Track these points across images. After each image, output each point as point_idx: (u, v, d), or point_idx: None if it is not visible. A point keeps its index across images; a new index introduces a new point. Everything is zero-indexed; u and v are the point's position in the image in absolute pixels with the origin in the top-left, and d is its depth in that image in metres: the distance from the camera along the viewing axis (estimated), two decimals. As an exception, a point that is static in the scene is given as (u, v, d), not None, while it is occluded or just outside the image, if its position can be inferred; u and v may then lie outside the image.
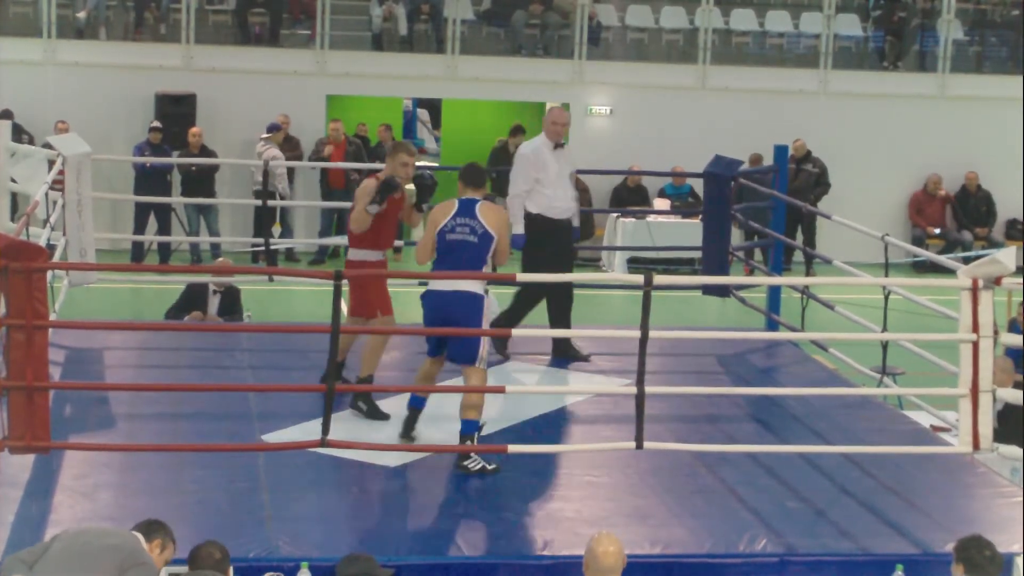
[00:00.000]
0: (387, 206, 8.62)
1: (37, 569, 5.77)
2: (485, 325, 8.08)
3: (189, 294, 12.16)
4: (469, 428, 7.95)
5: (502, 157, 19.64)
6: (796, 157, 18.97)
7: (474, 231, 8.12)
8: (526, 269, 10.04)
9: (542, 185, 10.04)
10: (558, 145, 10.16)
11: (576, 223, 10.34)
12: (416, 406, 8.33)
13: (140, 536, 6.02)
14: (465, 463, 7.90)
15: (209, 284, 12.06)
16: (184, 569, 6.07)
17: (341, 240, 16.72)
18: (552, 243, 10.07)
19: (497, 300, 12.01)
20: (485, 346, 8.10)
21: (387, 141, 19.57)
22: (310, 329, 9.21)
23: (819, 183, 19.63)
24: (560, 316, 10.33)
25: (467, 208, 8.20)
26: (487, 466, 7.89)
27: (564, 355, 10.39)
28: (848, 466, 8.28)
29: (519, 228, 9.95)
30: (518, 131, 20.10)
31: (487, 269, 8.28)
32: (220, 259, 15.72)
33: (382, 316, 8.81)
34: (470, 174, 8.41)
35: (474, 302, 7.98)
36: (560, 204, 10.13)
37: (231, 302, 12.12)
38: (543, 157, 10.09)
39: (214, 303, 12.02)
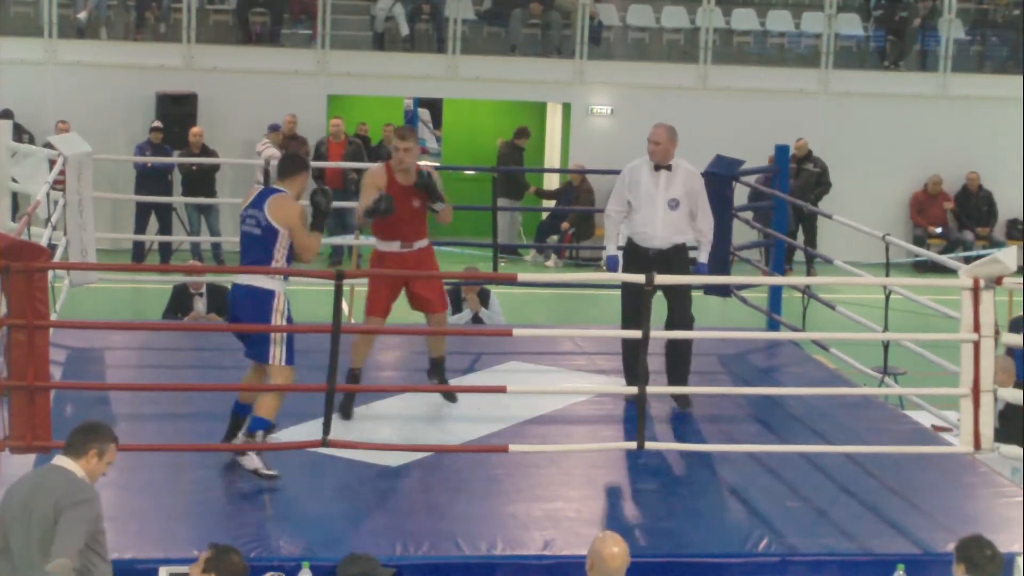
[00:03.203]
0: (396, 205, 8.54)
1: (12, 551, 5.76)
2: (278, 320, 7.62)
3: (175, 297, 12.17)
4: (256, 425, 7.63)
5: (513, 156, 19.74)
6: (797, 156, 18.98)
7: (258, 223, 7.67)
8: (623, 300, 9.18)
9: (632, 208, 9.13)
10: (660, 167, 9.14)
11: (700, 258, 9.19)
12: (238, 412, 7.96)
13: (68, 464, 5.87)
14: (241, 459, 7.62)
15: (188, 287, 12.04)
16: (185, 569, 6.01)
17: (344, 240, 16.80)
18: (636, 272, 8.44)
19: (499, 301, 12.10)
20: (279, 344, 7.62)
21: (389, 141, 19.62)
22: (310, 329, 9.18)
23: (820, 182, 19.63)
24: (676, 365, 9.30)
25: (259, 199, 7.77)
26: (262, 470, 7.55)
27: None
28: (849, 466, 8.27)
29: (611, 249, 9.28)
30: (523, 133, 20.21)
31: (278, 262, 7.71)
32: (191, 260, 15.76)
33: (367, 316, 8.81)
34: (280, 164, 7.97)
35: (258, 297, 7.59)
36: (647, 231, 9.09)
37: (221, 301, 12.07)
38: (636, 177, 9.15)
39: (199, 304, 12.00)
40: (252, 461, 7.59)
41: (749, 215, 13.59)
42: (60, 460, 5.95)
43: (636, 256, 9.11)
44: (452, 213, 8.77)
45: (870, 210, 18.98)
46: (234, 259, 17.20)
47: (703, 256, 9.23)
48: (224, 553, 5.87)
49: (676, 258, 9.15)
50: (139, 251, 17.64)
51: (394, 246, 8.70)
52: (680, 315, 9.18)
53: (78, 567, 5.68)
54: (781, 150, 12.13)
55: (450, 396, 8.95)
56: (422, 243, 8.77)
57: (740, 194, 12.21)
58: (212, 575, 5.82)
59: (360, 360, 8.80)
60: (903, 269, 18.98)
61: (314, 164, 18.05)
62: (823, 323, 12.79)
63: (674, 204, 9.11)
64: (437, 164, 21.94)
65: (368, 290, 8.84)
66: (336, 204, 19.93)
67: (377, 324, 8.76)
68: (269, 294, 7.59)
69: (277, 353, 7.64)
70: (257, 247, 7.70)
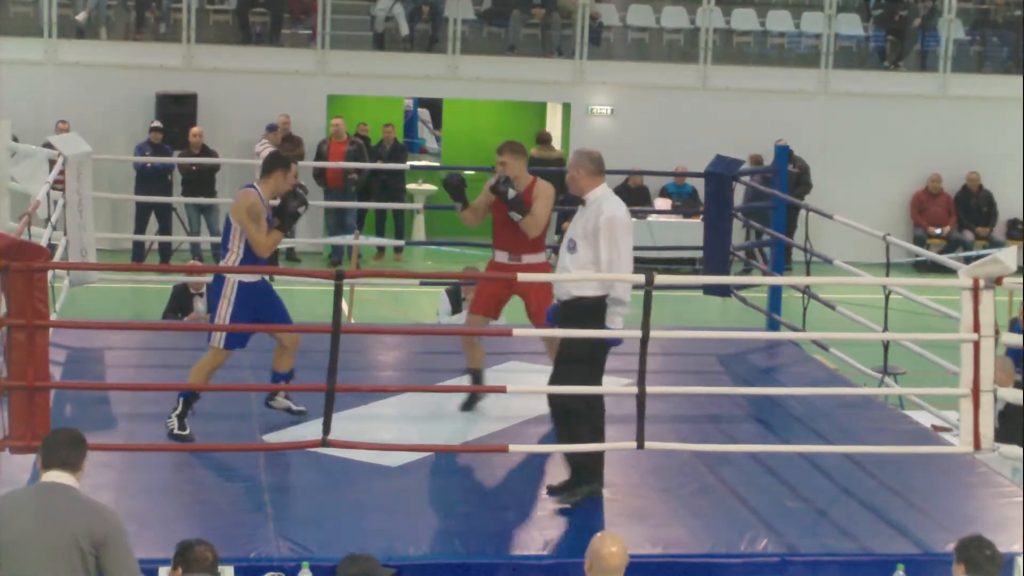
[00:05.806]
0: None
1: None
2: (223, 304, 8.12)
3: (175, 297, 12.18)
4: (181, 394, 8.20)
5: (532, 163, 19.76)
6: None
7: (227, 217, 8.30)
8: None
9: None
10: (581, 200, 7.57)
11: (610, 323, 7.41)
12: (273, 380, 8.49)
13: (68, 480, 5.51)
14: (167, 422, 8.12)
15: (188, 287, 12.06)
16: (167, 570, 5.96)
17: (344, 240, 16.80)
18: (559, 324, 7.56)
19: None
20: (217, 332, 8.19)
21: (389, 141, 19.63)
22: (310, 329, 9.20)
23: (799, 183, 19.53)
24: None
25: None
26: (176, 430, 8.08)
27: None
28: (849, 466, 8.27)
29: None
30: (544, 140, 20.16)
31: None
32: (191, 260, 15.75)
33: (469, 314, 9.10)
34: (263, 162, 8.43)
35: (216, 281, 8.26)
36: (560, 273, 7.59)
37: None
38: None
39: (199, 304, 12.01)
40: (171, 422, 8.12)
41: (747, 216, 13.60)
42: (57, 476, 5.51)
43: (561, 306, 7.55)
44: (538, 228, 8.55)
45: (870, 210, 18.95)
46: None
47: (614, 321, 7.40)
48: (189, 547, 5.77)
49: (571, 317, 7.45)
50: (139, 251, 17.64)
51: (503, 256, 8.75)
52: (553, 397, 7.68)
53: None
54: (781, 150, 12.12)
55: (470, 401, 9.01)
56: (533, 258, 8.66)
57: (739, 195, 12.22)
58: (179, 570, 5.76)
59: (477, 361, 8.92)
60: (903, 269, 18.97)
61: (315, 164, 18.11)
62: (823, 323, 12.77)
63: (571, 246, 7.47)
64: (437, 164, 21.94)
65: (475, 290, 9.08)
66: (336, 204, 19.97)
67: (479, 322, 8.89)
68: (220, 280, 8.18)
69: (217, 334, 8.17)
70: (223, 238, 8.25)
